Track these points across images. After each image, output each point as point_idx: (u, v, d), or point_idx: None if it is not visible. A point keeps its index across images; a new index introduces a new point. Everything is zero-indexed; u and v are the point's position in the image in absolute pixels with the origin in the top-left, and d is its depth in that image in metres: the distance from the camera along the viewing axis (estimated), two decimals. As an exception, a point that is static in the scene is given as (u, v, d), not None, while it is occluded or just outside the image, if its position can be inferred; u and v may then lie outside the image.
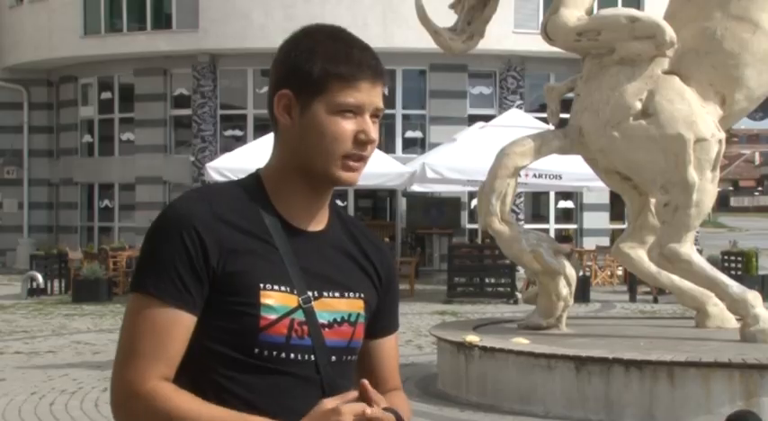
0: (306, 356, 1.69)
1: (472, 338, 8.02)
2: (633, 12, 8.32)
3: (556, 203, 22.67)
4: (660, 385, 7.02)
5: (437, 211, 21.35)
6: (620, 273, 18.97)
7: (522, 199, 21.15)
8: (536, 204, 23.14)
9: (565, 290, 8.36)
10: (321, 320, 1.71)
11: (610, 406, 7.18)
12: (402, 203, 21.95)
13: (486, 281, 16.43)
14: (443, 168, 16.30)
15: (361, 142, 1.70)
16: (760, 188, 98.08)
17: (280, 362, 1.67)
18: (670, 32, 7.84)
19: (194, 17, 22.05)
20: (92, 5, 23.42)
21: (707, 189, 7.94)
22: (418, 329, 12.48)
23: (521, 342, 7.86)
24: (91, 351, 10.78)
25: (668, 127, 7.89)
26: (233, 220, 1.68)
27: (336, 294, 1.74)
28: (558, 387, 7.39)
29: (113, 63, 23.32)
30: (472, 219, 20.69)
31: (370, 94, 1.70)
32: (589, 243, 21.30)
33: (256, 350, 1.66)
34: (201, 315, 1.67)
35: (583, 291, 14.95)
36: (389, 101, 22.04)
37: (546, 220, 22.58)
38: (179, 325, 1.65)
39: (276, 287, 1.67)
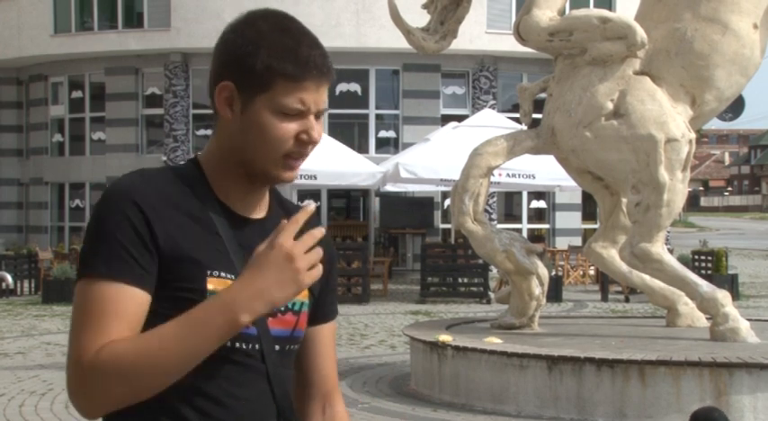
0: (251, 345, 1.65)
1: (445, 338, 8.04)
2: (605, 12, 8.36)
3: (528, 203, 22.77)
4: (631, 384, 7.06)
5: (410, 211, 21.36)
6: (592, 272, 19.08)
7: (494, 199, 21.23)
8: (509, 204, 23.24)
9: (537, 289, 8.40)
10: None
11: (582, 404, 7.22)
12: (375, 203, 21.95)
13: (460, 280, 16.47)
14: (417, 168, 16.32)
15: (302, 142, 1.65)
16: (730, 188, 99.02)
17: (225, 350, 1.61)
18: (641, 33, 7.90)
19: (166, 16, 21.94)
20: (62, 3, 23.23)
21: (677, 189, 8.01)
22: (391, 329, 12.48)
23: (493, 341, 7.88)
24: (61, 352, 10.69)
25: (639, 127, 7.94)
26: (178, 203, 1.63)
27: None
28: (531, 386, 7.42)
29: (84, 62, 23.15)
30: (445, 218, 20.74)
31: (315, 95, 1.64)
32: (561, 243, 21.42)
33: None
34: None
35: (555, 291, 15.03)
36: (363, 101, 22.06)
37: (519, 220, 22.69)
38: (131, 301, 1.57)
39: (222, 274, 1.62)
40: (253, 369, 1.65)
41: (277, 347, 1.68)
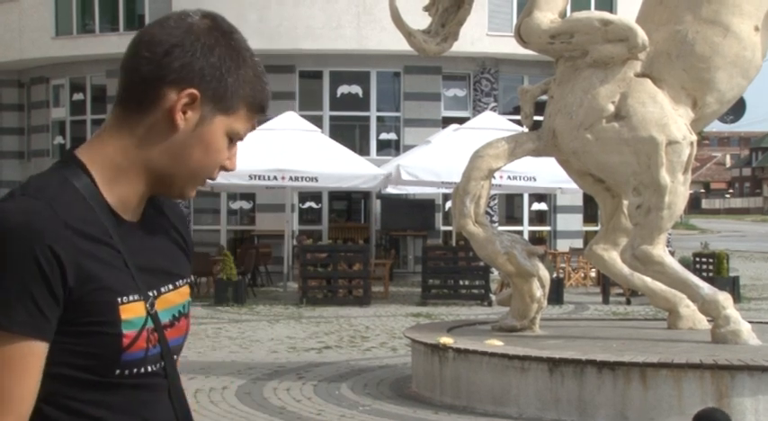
0: (157, 365, 1.58)
1: (446, 340, 8.03)
2: (606, 15, 8.36)
3: (530, 205, 22.77)
4: (633, 386, 7.06)
5: (411, 213, 21.36)
6: (593, 274, 19.07)
7: (496, 201, 21.22)
8: (510, 206, 23.23)
9: (538, 291, 8.40)
10: (163, 321, 1.59)
11: (583, 407, 7.22)
12: (376, 205, 21.95)
13: (461, 283, 16.46)
14: (418, 170, 16.33)
15: (224, 168, 1.61)
16: (731, 190, 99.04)
17: (138, 377, 1.54)
18: (642, 35, 7.90)
19: (167, 18, 21.96)
20: (63, 6, 23.25)
21: (679, 191, 8.01)
22: (392, 331, 12.48)
23: (494, 343, 7.88)
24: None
25: (640, 129, 7.94)
26: (79, 227, 1.48)
27: (170, 287, 1.62)
28: (532, 388, 7.42)
29: (85, 64, 23.16)
30: (446, 221, 20.73)
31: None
32: (562, 245, 21.41)
33: (117, 371, 1.52)
34: None
35: (556, 293, 15.02)
36: (364, 103, 22.07)
37: (520, 222, 22.68)
38: (33, 357, 1.44)
39: (131, 297, 1.52)
40: (158, 387, 1.60)
41: (175, 357, 1.64)
